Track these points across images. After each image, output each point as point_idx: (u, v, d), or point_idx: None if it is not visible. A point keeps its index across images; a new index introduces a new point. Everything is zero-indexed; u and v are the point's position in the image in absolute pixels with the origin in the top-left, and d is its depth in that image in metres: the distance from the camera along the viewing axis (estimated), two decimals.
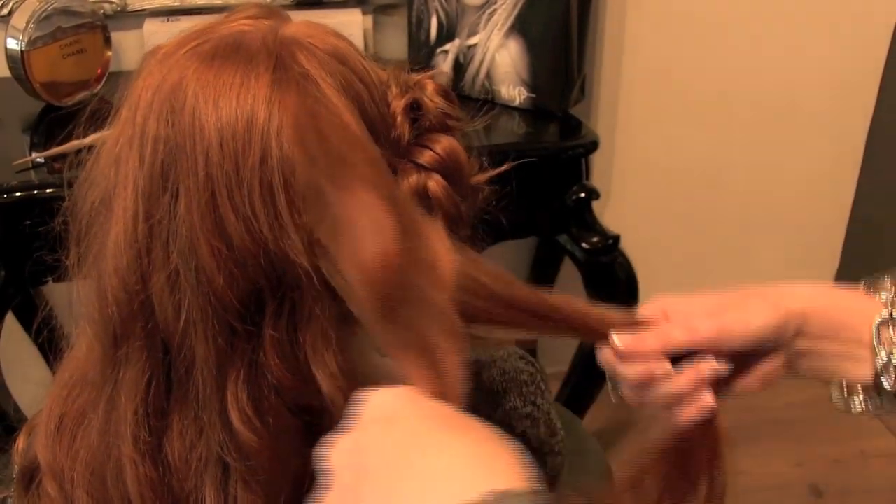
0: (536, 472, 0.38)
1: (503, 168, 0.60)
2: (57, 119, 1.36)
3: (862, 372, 0.59)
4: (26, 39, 1.30)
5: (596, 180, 1.47)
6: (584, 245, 1.40)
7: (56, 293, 1.50)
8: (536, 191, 1.35)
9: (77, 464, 0.54)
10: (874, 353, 0.57)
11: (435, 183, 0.54)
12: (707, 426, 0.59)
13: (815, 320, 0.59)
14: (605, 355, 0.59)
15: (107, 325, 0.50)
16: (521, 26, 1.41)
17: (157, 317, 0.49)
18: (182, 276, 0.48)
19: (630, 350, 0.57)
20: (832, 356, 0.60)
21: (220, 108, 0.47)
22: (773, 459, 1.85)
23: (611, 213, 1.76)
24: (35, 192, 1.18)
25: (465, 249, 0.51)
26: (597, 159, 1.53)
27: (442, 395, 0.44)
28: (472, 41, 1.46)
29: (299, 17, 0.55)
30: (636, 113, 1.81)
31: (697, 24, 1.76)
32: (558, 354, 1.62)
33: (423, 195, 0.53)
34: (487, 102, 1.47)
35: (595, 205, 1.41)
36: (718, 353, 0.58)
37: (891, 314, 0.57)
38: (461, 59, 1.47)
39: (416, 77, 0.57)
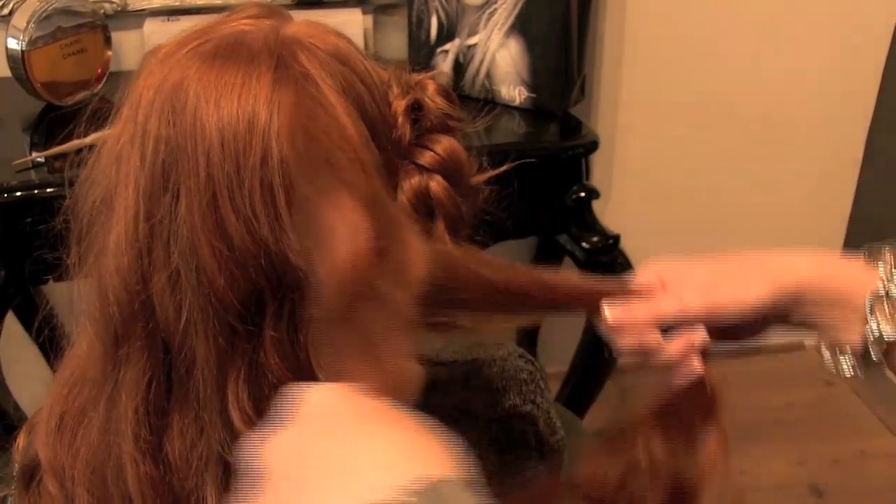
0: (474, 467, 0.38)
1: (503, 168, 0.60)
2: (57, 119, 1.36)
3: (853, 340, 0.59)
4: (27, 39, 1.30)
5: (596, 180, 1.47)
6: (584, 245, 1.40)
7: (56, 292, 1.50)
8: (536, 191, 1.35)
9: (78, 462, 0.54)
10: (866, 324, 0.58)
11: (436, 184, 0.54)
12: (699, 387, 0.59)
13: (811, 291, 0.59)
14: (603, 324, 0.60)
15: (108, 324, 0.50)
16: (521, 26, 1.41)
17: (157, 317, 0.49)
18: (183, 276, 0.48)
19: (620, 322, 0.59)
20: (826, 323, 0.61)
21: (222, 108, 0.47)
22: (773, 459, 1.85)
23: (611, 213, 1.75)
24: (35, 191, 1.18)
25: (458, 246, 0.52)
26: (597, 159, 1.53)
27: (382, 392, 0.44)
28: (472, 41, 1.46)
29: (299, 16, 0.55)
30: (636, 113, 1.81)
31: (697, 24, 1.76)
32: (558, 354, 1.62)
33: (424, 196, 0.53)
34: (487, 102, 1.47)
35: (595, 205, 1.41)
36: (710, 325, 0.60)
37: (886, 289, 0.57)
38: (461, 59, 1.47)
39: (417, 77, 0.57)
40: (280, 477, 0.40)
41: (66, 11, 1.35)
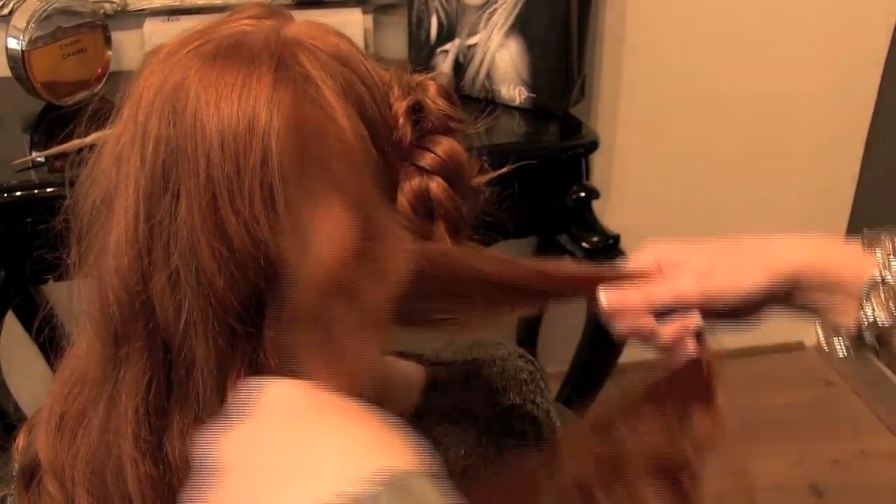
0: (434, 462, 0.37)
1: (504, 171, 0.60)
2: (57, 118, 1.36)
3: (849, 323, 0.61)
4: (27, 39, 1.30)
5: (596, 180, 1.47)
6: (584, 245, 1.40)
7: (56, 292, 1.50)
8: (536, 191, 1.35)
9: (77, 462, 0.54)
10: (861, 309, 0.59)
11: (436, 185, 0.54)
12: (694, 367, 0.60)
13: (808, 277, 0.60)
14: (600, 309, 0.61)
15: (108, 324, 0.50)
16: (521, 26, 1.41)
17: (157, 317, 0.49)
18: (182, 277, 0.48)
19: (616, 307, 0.60)
20: (822, 307, 0.62)
21: (222, 109, 0.47)
22: (773, 459, 1.85)
23: (611, 213, 1.75)
24: (35, 191, 1.18)
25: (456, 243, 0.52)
26: (597, 159, 1.53)
27: (346, 390, 0.44)
28: (472, 41, 1.46)
29: (300, 16, 0.55)
30: (636, 113, 1.81)
31: (697, 23, 1.76)
32: (558, 354, 1.62)
33: (424, 198, 0.53)
34: (488, 102, 1.47)
35: (595, 205, 1.41)
36: (705, 310, 0.61)
37: (882, 276, 0.58)
38: (461, 59, 1.47)
39: (418, 78, 0.57)
40: (236, 472, 0.39)
41: (66, 11, 1.35)
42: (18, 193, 1.18)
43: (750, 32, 1.79)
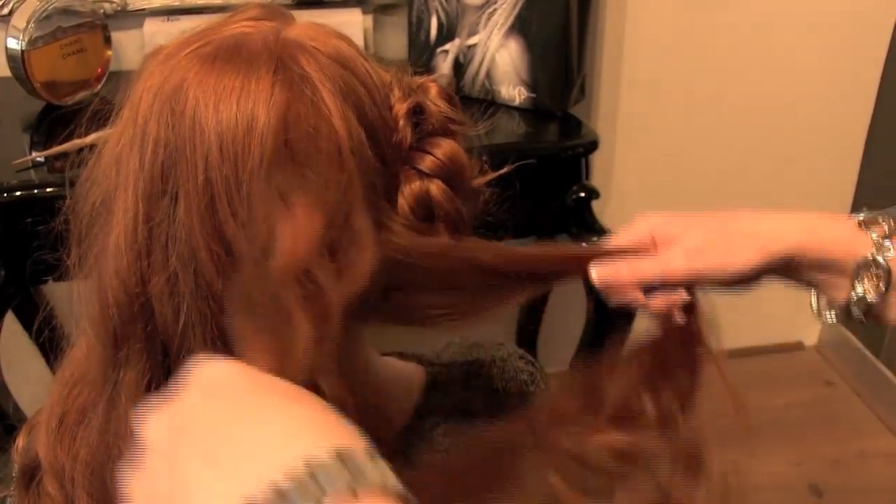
0: (372, 444, 0.37)
1: (504, 171, 0.60)
2: (57, 118, 1.36)
3: (839, 297, 0.62)
4: (26, 39, 1.30)
5: (596, 180, 1.47)
6: (584, 245, 1.40)
7: (56, 293, 1.50)
8: (536, 191, 1.35)
9: (77, 463, 0.54)
10: (851, 286, 0.61)
11: (436, 188, 0.54)
12: (683, 333, 0.61)
13: (802, 255, 0.61)
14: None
15: (107, 326, 0.50)
16: (521, 26, 1.41)
17: (156, 319, 0.49)
18: (181, 279, 0.48)
19: (605, 283, 0.61)
20: (814, 281, 0.63)
21: (221, 111, 0.47)
22: (773, 459, 1.85)
23: (611, 213, 1.75)
24: (35, 191, 1.18)
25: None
26: (597, 159, 1.53)
27: (282, 373, 0.42)
28: (472, 41, 1.46)
29: (299, 16, 0.55)
30: (636, 113, 1.81)
31: (697, 23, 1.76)
32: (558, 354, 1.62)
33: (425, 200, 0.53)
34: (487, 102, 1.47)
35: (595, 205, 1.41)
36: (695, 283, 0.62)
37: (873, 257, 0.59)
38: (461, 59, 1.47)
39: (419, 80, 0.57)
40: (160, 453, 0.38)
41: (66, 11, 1.35)
42: (18, 193, 1.18)
43: (750, 33, 1.78)
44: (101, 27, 1.41)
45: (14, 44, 1.31)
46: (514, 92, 1.45)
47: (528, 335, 1.80)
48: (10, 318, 1.29)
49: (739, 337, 2.08)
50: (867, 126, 1.97)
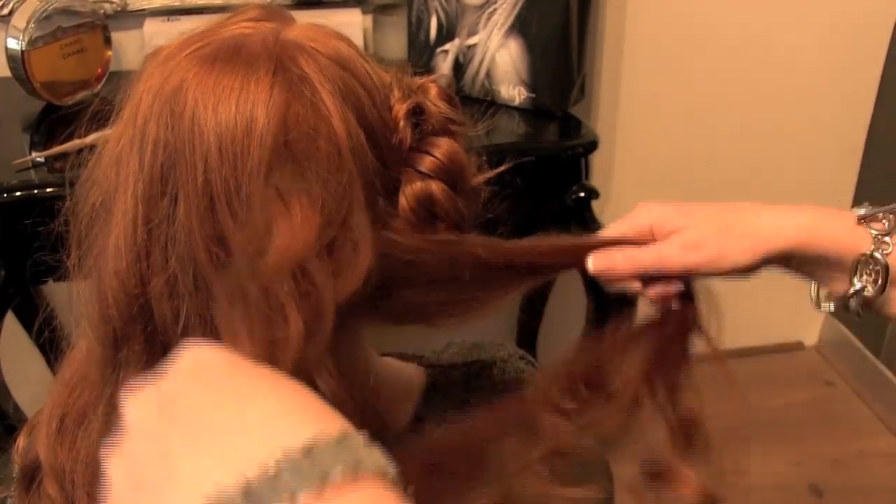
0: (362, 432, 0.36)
1: (503, 168, 0.60)
2: (57, 119, 1.36)
3: (838, 289, 0.63)
4: (27, 39, 1.30)
5: (596, 180, 1.47)
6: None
7: (57, 293, 1.50)
8: (536, 191, 1.35)
9: (78, 464, 0.54)
10: (850, 281, 0.62)
11: (437, 188, 0.54)
12: (677, 318, 0.63)
13: (801, 252, 0.62)
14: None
15: (107, 327, 0.50)
16: (520, 26, 1.41)
17: (156, 320, 0.49)
18: (180, 280, 0.48)
19: (601, 272, 0.63)
20: (814, 274, 0.65)
21: (220, 113, 0.47)
22: (773, 459, 1.85)
23: (611, 213, 1.75)
24: (35, 191, 1.18)
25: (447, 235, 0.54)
26: (597, 159, 1.53)
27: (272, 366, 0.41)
28: (472, 41, 1.46)
29: (299, 17, 0.55)
30: (636, 113, 1.81)
31: (697, 23, 1.76)
32: (558, 354, 1.62)
33: (425, 201, 0.53)
34: (487, 103, 1.47)
35: (595, 204, 1.41)
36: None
37: (872, 253, 0.60)
38: (461, 59, 1.47)
39: (419, 81, 0.57)
40: (142, 434, 0.37)
41: (66, 11, 1.35)
42: (18, 193, 1.18)
43: (750, 33, 1.79)
44: (102, 27, 1.41)
45: (14, 44, 1.31)
46: (513, 92, 1.45)
47: (528, 336, 1.80)
48: (10, 318, 1.29)
49: (739, 337, 2.08)
50: (867, 126, 1.97)
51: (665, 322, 0.62)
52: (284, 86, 0.48)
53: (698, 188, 1.90)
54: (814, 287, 0.67)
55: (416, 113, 0.54)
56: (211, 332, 0.47)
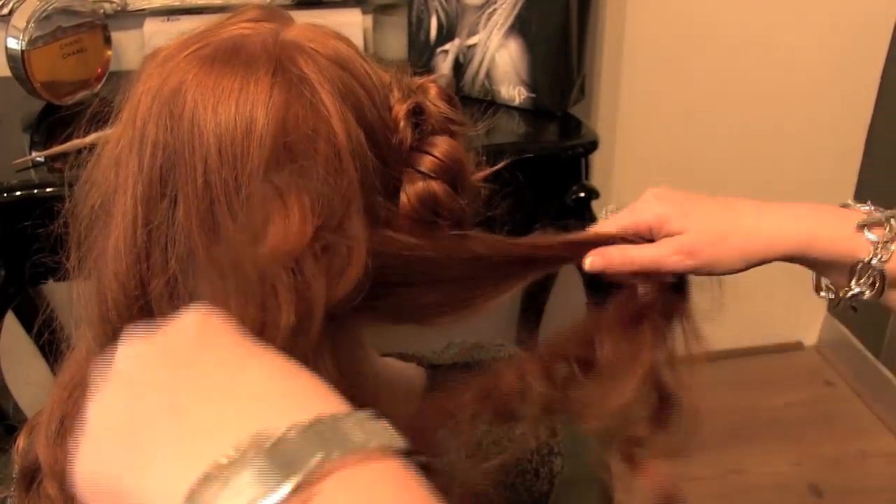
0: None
1: (503, 164, 0.61)
2: (57, 118, 1.36)
3: (838, 285, 0.65)
4: (26, 39, 1.30)
5: (596, 180, 1.47)
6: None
7: (57, 293, 1.50)
8: (536, 191, 1.35)
9: None
10: (849, 285, 0.63)
11: (437, 187, 0.54)
12: (669, 299, 0.64)
13: (800, 256, 0.63)
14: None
15: (106, 328, 0.50)
16: (520, 26, 1.41)
17: (156, 322, 0.49)
18: (180, 282, 0.48)
19: (598, 271, 0.64)
20: (814, 268, 0.66)
21: (219, 114, 0.47)
22: (773, 459, 1.85)
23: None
24: (35, 191, 1.18)
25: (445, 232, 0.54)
26: (597, 159, 1.53)
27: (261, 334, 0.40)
28: (472, 41, 1.45)
29: (299, 16, 0.55)
30: (636, 113, 1.81)
31: (697, 24, 1.76)
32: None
33: (426, 200, 0.53)
34: (487, 103, 1.47)
35: (595, 204, 1.41)
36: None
37: (869, 261, 0.61)
38: (461, 59, 1.47)
39: (418, 81, 0.57)
40: (126, 382, 0.36)
41: (66, 11, 1.35)
42: (18, 193, 1.18)
43: (750, 33, 1.78)
44: (101, 27, 1.41)
45: (14, 44, 1.31)
46: (513, 92, 1.45)
47: (528, 336, 1.80)
48: (10, 318, 1.29)
49: (739, 337, 2.08)
50: (867, 126, 1.97)
51: (652, 306, 0.63)
52: (284, 86, 0.48)
53: (698, 188, 1.89)
54: (814, 275, 0.68)
55: (416, 113, 0.54)
56: None
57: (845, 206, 0.66)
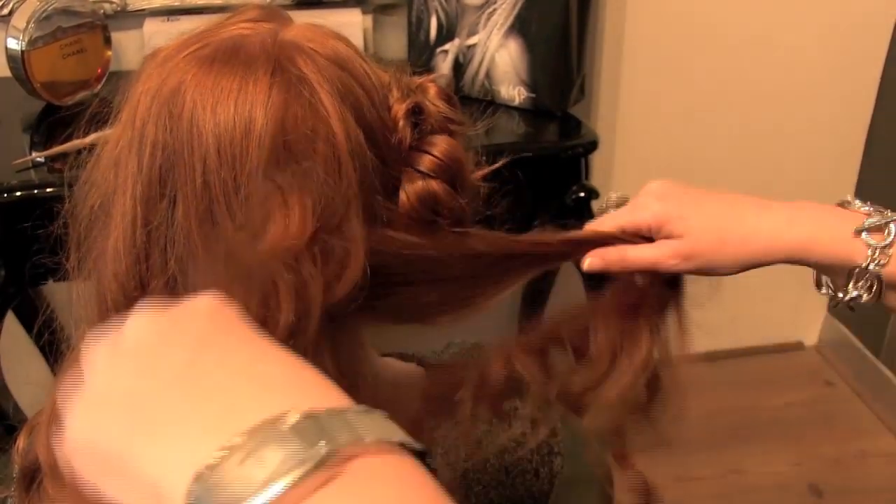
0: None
1: (502, 162, 0.61)
2: (57, 119, 1.36)
3: (837, 285, 0.65)
4: (27, 39, 1.30)
5: (596, 180, 1.47)
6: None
7: (57, 293, 1.50)
8: (536, 190, 1.35)
9: None
10: (846, 288, 0.63)
11: (438, 187, 0.54)
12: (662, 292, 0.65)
13: (799, 258, 0.64)
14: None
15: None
16: (520, 26, 1.41)
17: None
18: (180, 283, 0.48)
19: (596, 271, 0.65)
20: (814, 267, 0.67)
21: (218, 114, 0.47)
22: (773, 459, 1.85)
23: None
24: (35, 191, 1.18)
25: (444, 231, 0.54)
26: (597, 159, 1.53)
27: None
28: (472, 41, 1.46)
29: (299, 16, 0.55)
30: (636, 113, 1.81)
31: (697, 23, 1.76)
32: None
33: (426, 199, 0.54)
34: (487, 102, 1.47)
35: (595, 204, 1.41)
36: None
37: (866, 266, 0.61)
38: (461, 59, 1.47)
39: (417, 80, 0.57)
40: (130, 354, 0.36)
41: (66, 11, 1.35)
42: (18, 194, 1.18)
43: (750, 33, 1.78)
44: (101, 27, 1.41)
45: (14, 44, 1.31)
46: (513, 92, 1.45)
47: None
48: (10, 318, 1.29)
49: (739, 337, 2.08)
50: (867, 126, 1.97)
51: (647, 296, 0.64)
52: (283, 87, 0.48)
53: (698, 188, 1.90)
54: (815, 272, 0.68)
55: (415, 112, 0.54)
56: None
57: (844, 202, 0.66)
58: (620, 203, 0.72)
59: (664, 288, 0.64)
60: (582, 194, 1.39)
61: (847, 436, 1.96)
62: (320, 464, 0.30)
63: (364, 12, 1.53)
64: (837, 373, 2.14)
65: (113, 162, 0.51)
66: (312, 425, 0.31)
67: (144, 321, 0.37)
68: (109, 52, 1.43)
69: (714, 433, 1.83)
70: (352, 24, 1.48)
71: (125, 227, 0.49)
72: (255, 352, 0.36)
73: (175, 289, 0.48)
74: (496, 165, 0.60)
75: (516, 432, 0.67)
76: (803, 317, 2.19)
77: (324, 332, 0.46)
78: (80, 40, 1.38)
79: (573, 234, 0.67)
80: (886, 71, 1.90)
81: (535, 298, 1.75)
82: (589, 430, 0.66)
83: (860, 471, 1.87)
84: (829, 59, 1.85)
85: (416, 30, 1.50)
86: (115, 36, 1.44)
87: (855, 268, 0.62)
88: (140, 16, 1.49)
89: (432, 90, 0.56)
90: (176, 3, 1.50)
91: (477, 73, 1.47)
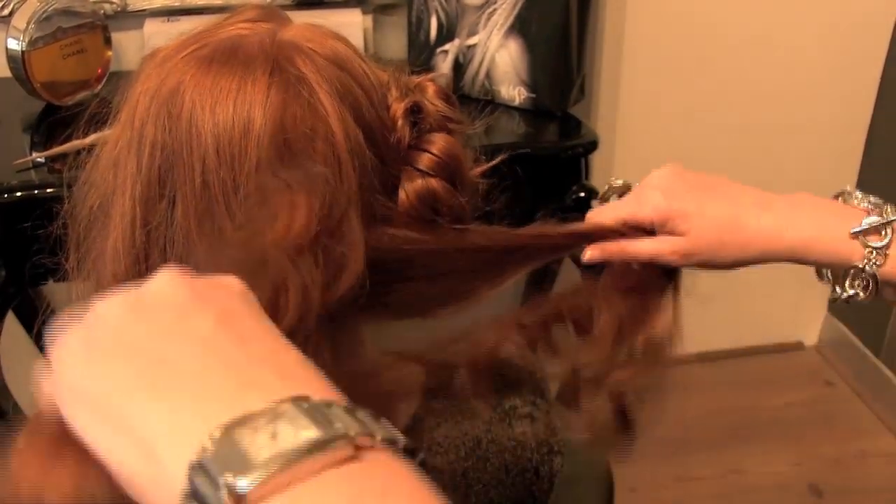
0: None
1: (500, 159, 0.61)
2: (57, 119, 1.36)
3: (835, 282, 0.66)
4: (27, 39, 1.30)
5: (596, 180, 1.47)
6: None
7: (57, 294, 1.50)
8: (536, 190, 1.35)
9: None
10: (843, 286, 0.65)
11: (438, 185, 0.54)
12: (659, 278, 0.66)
13: (798, 257, 0.65)
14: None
15: None
16: (520, 26, 1.41)
17: None
18: None
19: (597, 262, 0.66)
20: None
21: (217, 114, 0.47)
22: (773, 459, 1.85)
23: None
24: (35, 191, 1.18)
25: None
26: (597, 159, 1.53)
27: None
28: (472, 41, 1.46)
29: (299, 16, 0.55)
30: (636, 113, 1.81)
31: (697, 24, 1.76)
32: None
33: (425, 197, 0.54)
34: (487, 102, 1.47)
35: (595, 204, 1.41)
36: None
37: (863, 267, 0.63)
38: (461, 59, 1.47)
39: (416, 80, 0.57)
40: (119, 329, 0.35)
41: (66, 12, 1.35)
42: (19, 194, 1.18)
43: (750, 33, 1.78)
44: (102, 28, 1.41)
45: (14, 44, 1.31)
46: (513, 92, 1.45)
47: None
48: (10, 318, 1.29)
49: (739, 337, 2.08)
50: (867, 126, 1.97)
51: (642, 279, 0.65)
52: (281, 86, 0.48)
53: None
54: (817, 274, 0.70)
55: (414, 111, 0.54)
56: None
57: (844, 193, 0.67)
58: (623, 191, 0.71)
59: (661, 275, 0.65)
60: (582, 194, 1.39)
61: (847, 436, 1.96)
62: (330, 447, 0.30)
63: (364, 12, 1.53)
64: (837, 373, 2.14)
65: (112, 162, 0.51)
66: (329, 411, 0.31)
67: (170, 280, 0.36)
68: (110, 53, 1.43)
69: (714, 433, 1.83)
70: (352, 24, 1.48)
71: (124, 228, 0.49)
72: (275, 341, 0.36)
73: None
74: (494, 161, 0.61)
75: (516, 432, 0.67)
76: (803, 316, 2.19)
77: (324, 332, 0.46)
78: (80, 40, 1.38)
79: (574, 227, 0.67)
80: (886, 71, 1.90)
81: (535, 298, 1.75)
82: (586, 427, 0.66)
83: (860, 471, 1.87)
84: (829, 59, 1.85)
85: (416, 30, 1.50)
86: (116, 36, 1.45)
87: (852, 268, 0.63)
88: (140, 16, 1.49)
89: (431, 89, 0.56)
90: (176, 4, 1.50)
91: (477, 73, 1.47)
